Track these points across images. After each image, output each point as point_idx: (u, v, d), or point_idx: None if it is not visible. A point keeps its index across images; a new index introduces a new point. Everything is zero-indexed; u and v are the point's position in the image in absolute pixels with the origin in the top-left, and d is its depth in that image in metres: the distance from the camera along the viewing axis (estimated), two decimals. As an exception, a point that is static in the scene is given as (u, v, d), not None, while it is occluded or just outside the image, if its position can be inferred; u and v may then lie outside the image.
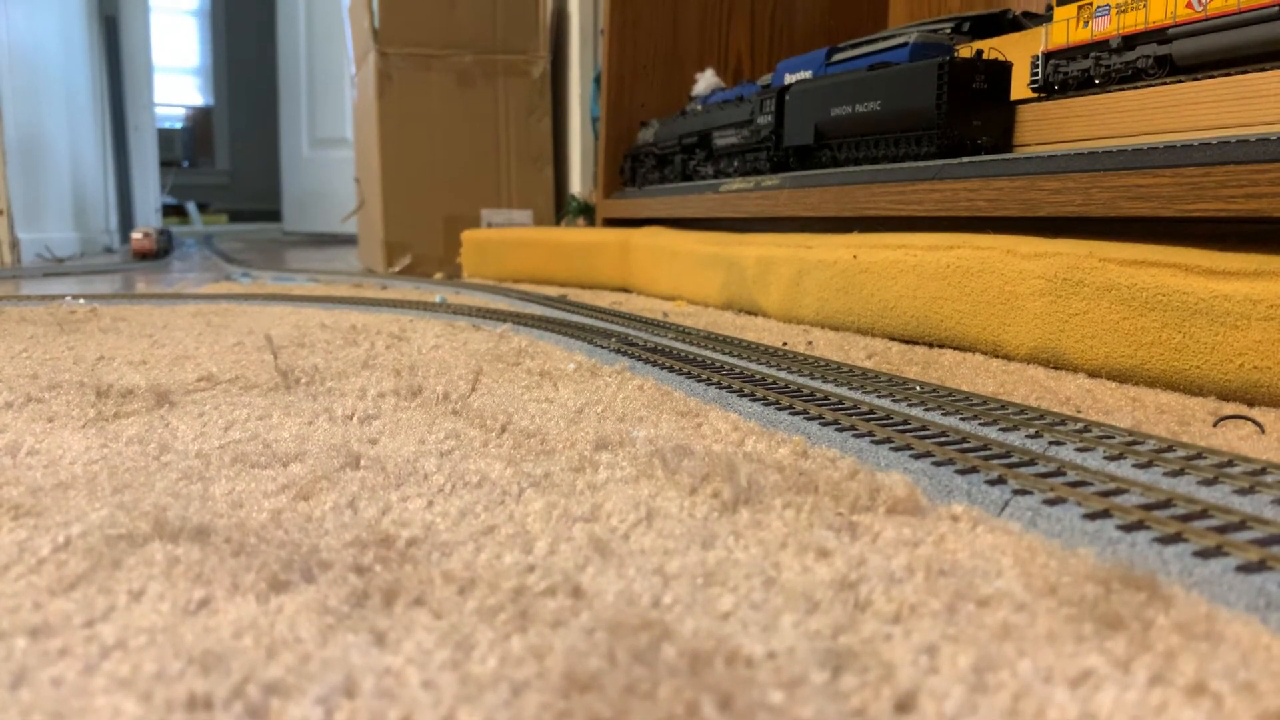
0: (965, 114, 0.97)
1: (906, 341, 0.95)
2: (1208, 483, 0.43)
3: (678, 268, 1.42)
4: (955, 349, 0.89)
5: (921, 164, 1.01)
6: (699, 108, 1.60)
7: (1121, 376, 0.72)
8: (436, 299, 1.29)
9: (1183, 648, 0.28)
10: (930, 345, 0.92)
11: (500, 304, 1.30)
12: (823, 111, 1.19)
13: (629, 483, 0.45)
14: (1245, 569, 0.33)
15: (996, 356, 0.84)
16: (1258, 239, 0.68)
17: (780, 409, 0.59)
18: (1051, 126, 0.91)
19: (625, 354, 0.80)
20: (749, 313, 1.23)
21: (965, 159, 0.96)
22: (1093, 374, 0.75)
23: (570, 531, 0.38)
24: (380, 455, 0.49)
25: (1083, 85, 0.88)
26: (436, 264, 2.17)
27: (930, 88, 0.98)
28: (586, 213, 2.13)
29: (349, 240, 3.37)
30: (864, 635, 0.29)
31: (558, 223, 2.29)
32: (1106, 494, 0.41)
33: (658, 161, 1.71)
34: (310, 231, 4.30)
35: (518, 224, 2.23)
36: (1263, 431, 0.57)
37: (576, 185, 2.30)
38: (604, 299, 1.45)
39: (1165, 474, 0.44)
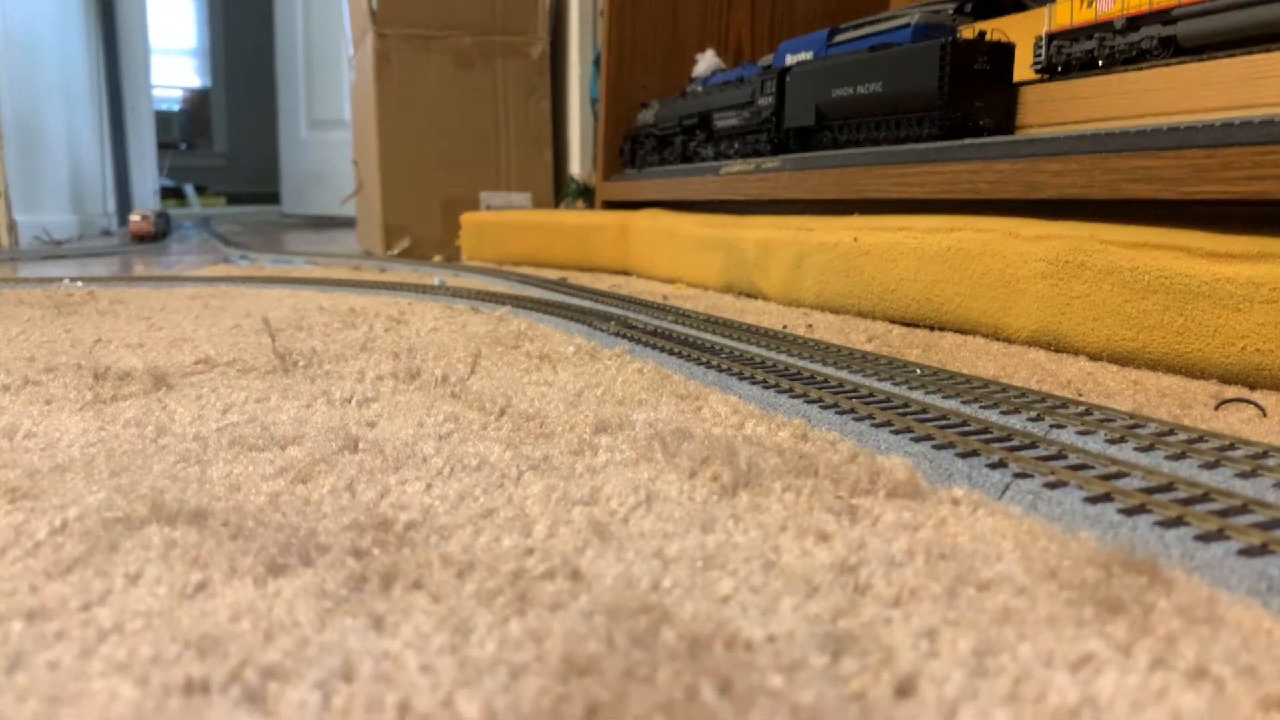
0: (967, 95, 0.96)
1: (907, 324, 0.94)
2: (1209, 466, 0.42)
3: (677, 250, 1.41)
4: (956, 332, 0.89)
5: (923, 146, 1.00)
6: (699, 89, 1.59)
7: (1123, 359, 0.72)
8: (435, 282, 1.29)
9: (1184, 631, 0.28)
10: (931, 328, 0.92)
11: (499, 286, 1.30)
12: (824, 93, 1.18)
13: (628, 466, 0.45)
14: (1247, 553, 0.33)
15: (998, 339, 0.84)
16: (1261, 221, 0.68)
17: (780, 392, 0.59)
18: (1054, 108, 0.91)
19: (625, 337, 0.80)
20: (749, 295, 1.22)
21: (967, 141, 0.96)
22: (1094, 357, 0.74)
23: (569, 515, 0.38)
24: (379, 438, 0.49)
25: (1086, 66, 0.88)
26: (435, 246, 2.16)
27: (933, 69, 0.97)
28: (586, 195, 2.12)
29: (348, 223, 3.36)
30: (864, 619, 0.29)
31: (557, 205, 2.28)
32: (1108, 477, 0.41)
33: (658, 143, 1.70)
34: (308, 214, 4.29)
35: (517, 206, 2.22)
36: (1264, 415, 0.57)
37: (576, 167, 2.29)
38: (603, 281, 1.44)
39: (1167, 457, 0.44)
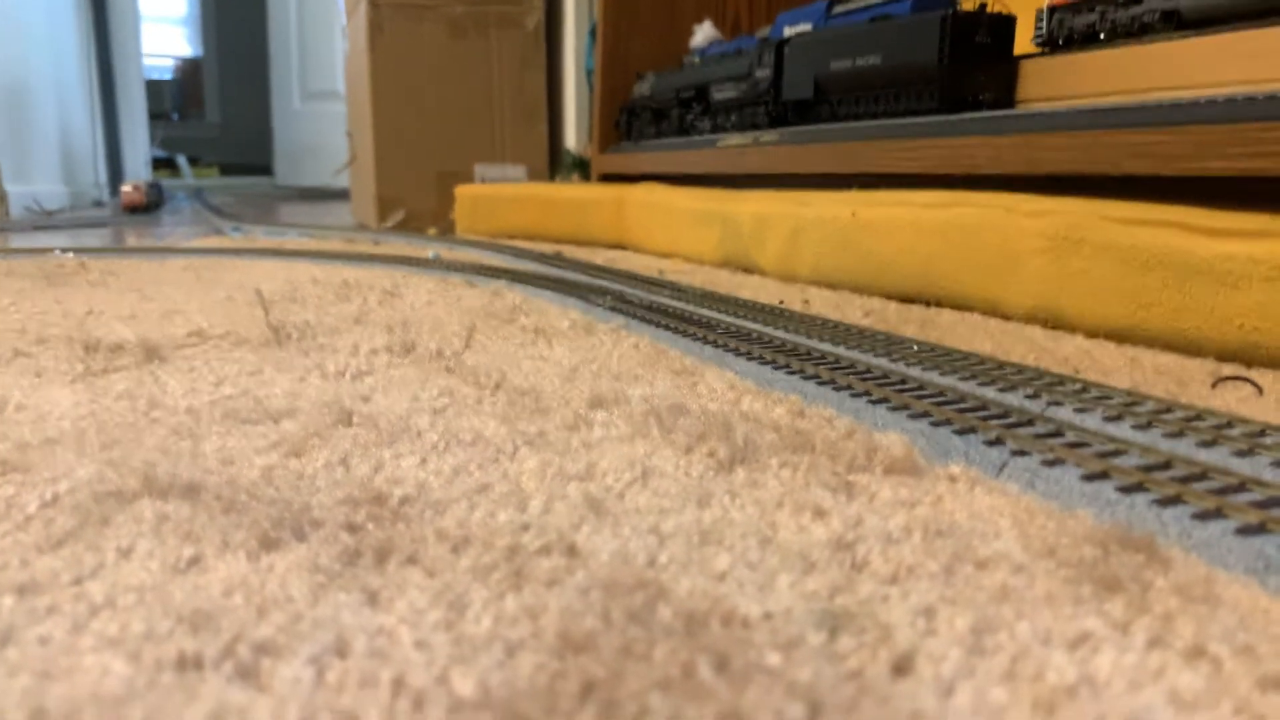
0: (967, 69, 0.96)
1: (904, 300, 0.94)
2: (1207, 444, 0.42)
3: (674, 224, 1.40)
4: (953, 308, 0.89)
5: (922, 120, 1.00)
6: (696, 60, 1.58)
7: (1120, 337, 0.72)
8: (429, 255, 1.28)
9: (1181, 610, 0.28)
10: (928, 304, 0.91)
11: (494, 260, 1.29)
12: (822, 65, 1.17)
13: (624, 441, 0.44)
14: (1244, 531, 0.33)
15: (995, 315, 0.84)
16: (1262, 198, 0.67)
17: (777, 368, 0.59)
18: (1055, 82, 0.90)
19: (621, 311, 0.79)
20: (745, 270, 1.22)
21: (967, 115, 0.95)
22: (1091, 334, 0.74)
23: (565, 490, 0.38)
24: (373, 412, 0.49)
25: (1088, 40, 0.87)
26: (430, 219, 2.15)
27: (932, 42, 0.96)
28: (581, 168, 2.11)
29: (342, 194, 3.34)
30: (861, 596, 0.29)
31: (552, 178, 2.26)
32: (1105, 455, 0.40)
33: (654, 116, 1.69)
34: (302, 185, 4.26)
35: (511, 179, 2.20)
36: (1261, 393, 0.57)
37: (571, 140, 2.28)
38: (599, 256, 1.44)
39: (1164, 435, 0.44)
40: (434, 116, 2.19)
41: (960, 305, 0.88)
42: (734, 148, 1.36)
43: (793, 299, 0.94)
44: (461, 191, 1.97)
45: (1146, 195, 0.75)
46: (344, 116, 2.77)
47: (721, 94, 1.45)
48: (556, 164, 2.29)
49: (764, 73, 1.31)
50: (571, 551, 0.32)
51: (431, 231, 1.98)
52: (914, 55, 1.00)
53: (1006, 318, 0.83)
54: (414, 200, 2.19)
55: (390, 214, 2.18)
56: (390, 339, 0.67)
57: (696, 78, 1.52)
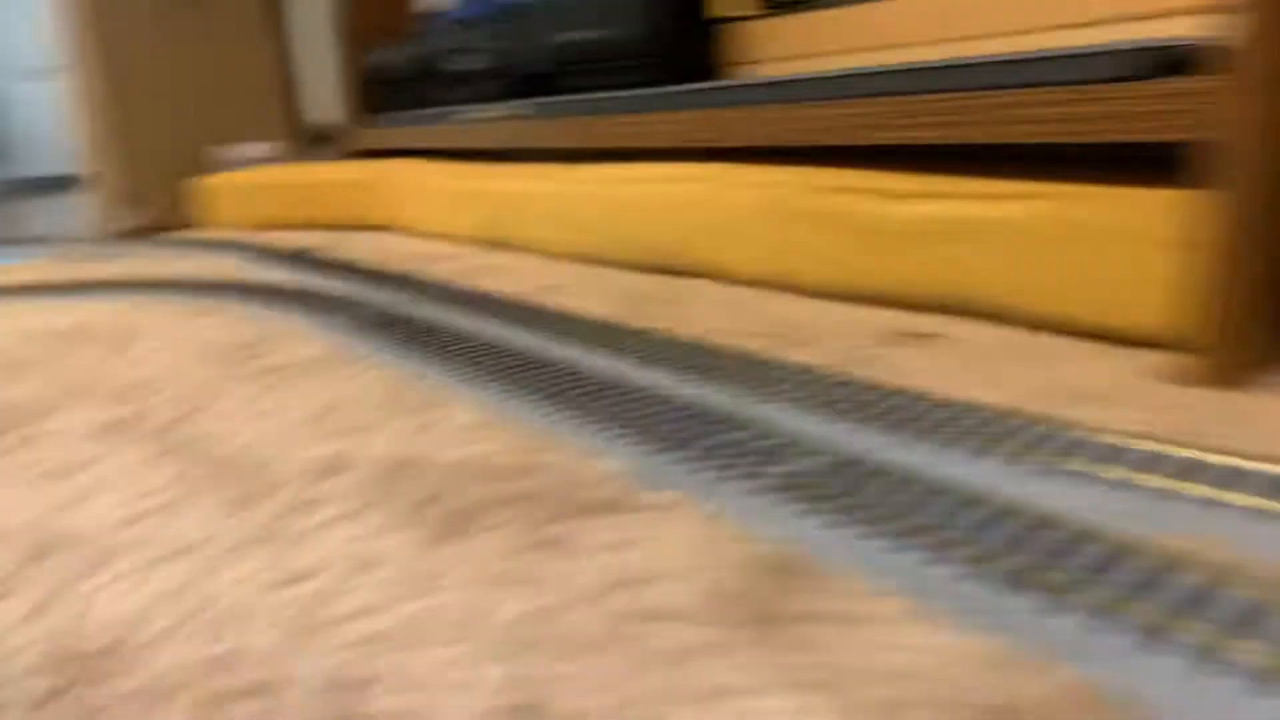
0: (681, 39, 0.98)
1: (660, 272, 0.97)
2: (889, 429, 0.47)
3: (436, 205, 1.38)
4: (696, 277, 0.92)
5: (638, 93, 1.01)
6: (440, 27, 1.53)
7: (836, 297, 0.78)
8: (174, 272, 1.20)
9: (831, 640, 0.32)
10: (675, 275, 0.95)
11: (243, 270, 1.22)
12: (551, 36, 1.16)
13: (350, 519, 0.45)
14: (898, 548, 0.37)
15: (734, 284, 0.88)
16: (942, 160, 0.74)
17: (515, 392, 0.60)
18: (783, 44, 0.94)
19: (367, 332, 0.78)
20: (510, 248, 1.22)
21: (683, 87, 0.97)
22: (814, 295, 0.80)
23: (279, 597, 0.38)
24: (82, 528, 0.46)
25: (801, 1, 0.91)
26: (175, 214, 2.00)
27: (636, 13, 0.98)
28: (331, 143, 2.01)
29: (71, 184, 3.04)
30: (551, 674, 0.31)
31: (304, 158, 2.15)
32: (800, 455, 0.44)
33: (404, 87, 1.63)
34: (24, 177, 3.83)
35: (261, 161, 2.08)
36: (943, 346, 0.63)
37: (319, 113, 2.16)
38: (360, 244, 1.39)
39: (853, 425, 0.49)
40: (170, 96, 2.02)
41: (704, 274, 0.92)
42: (481, 122, 1.34)
43: (550, 283, 0.95)
44: (207, 182, 1.84)
45: (870, 161, 0.80)
46: (72, 95, 2.50)
47: (464, 65, 1.41)
48: (306, 141, 2.17)
49: (501, 44, 1.29)
50: (278, 686, 0.32)
51: (176, 232, 1.85)
52: (624, 26, 1.01)
53: (745, 285, 0.87)
54: (157, 193, 2.02)
55: (128, 213, 2.01)
56: (112, 413, 0.63)
57: (441, 46, 1.48)
